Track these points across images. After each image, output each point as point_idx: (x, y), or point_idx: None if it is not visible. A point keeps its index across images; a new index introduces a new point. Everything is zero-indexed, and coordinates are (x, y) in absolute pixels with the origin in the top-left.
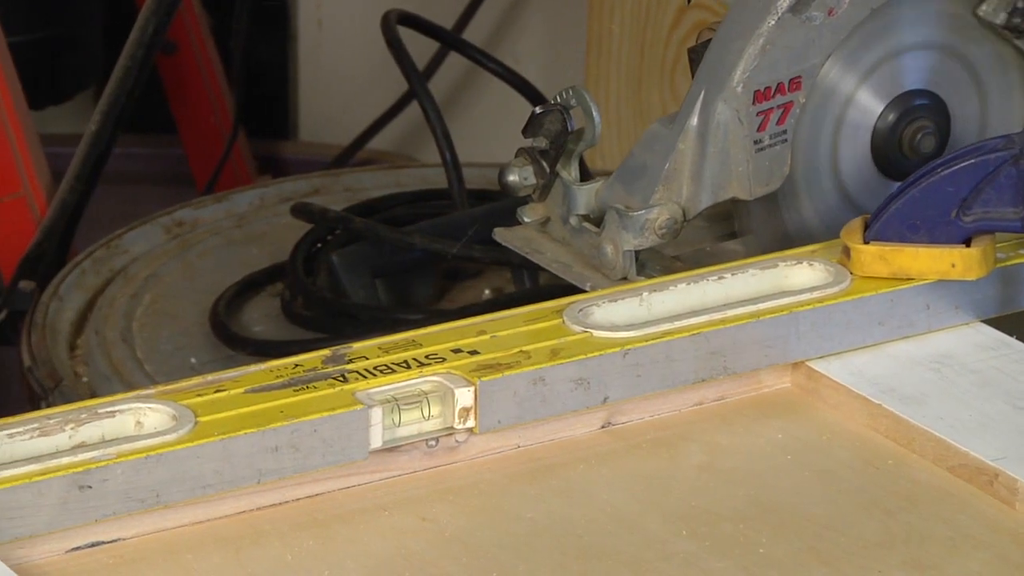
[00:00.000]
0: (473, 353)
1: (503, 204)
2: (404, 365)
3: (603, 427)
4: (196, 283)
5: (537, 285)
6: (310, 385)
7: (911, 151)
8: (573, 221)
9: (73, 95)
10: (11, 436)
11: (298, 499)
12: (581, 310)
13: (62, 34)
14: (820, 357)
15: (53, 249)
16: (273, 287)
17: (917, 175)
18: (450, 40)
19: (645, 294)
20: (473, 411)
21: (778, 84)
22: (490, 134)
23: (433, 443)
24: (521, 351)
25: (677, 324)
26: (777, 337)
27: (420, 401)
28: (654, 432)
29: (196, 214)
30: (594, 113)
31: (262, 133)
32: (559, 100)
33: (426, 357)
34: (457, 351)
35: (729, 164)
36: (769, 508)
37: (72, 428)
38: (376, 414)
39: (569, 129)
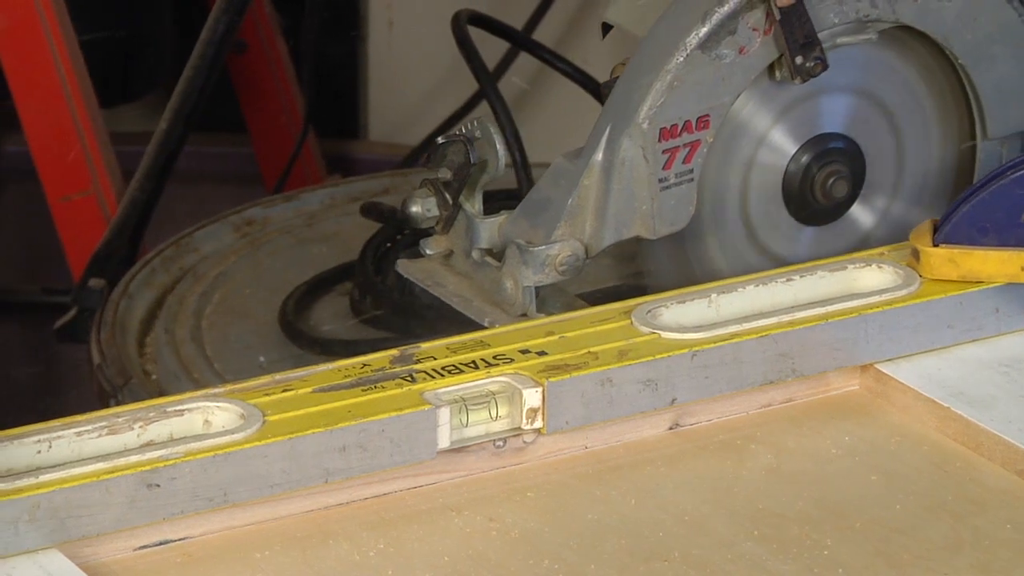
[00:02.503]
0: (541, 354)
1: None
2: (472, 365)
3: (671, 428)
4: (265, 282)
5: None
6: (378, 385)
7: (823, 195)
8: (475, 255)
9: (144, 94)
10: (80, 434)
11: (365, 499)
12: (649, 311)
13: (133, 33)
14: (888, 360)
15: (123, 247)
16: (342, 286)
17: (987, 178)
18: (520, 40)
19: (714, 296)
20: (541, 412)
21: (685, 122)
22: (560, 135)
23: (501, 443)
24: (589, 352)
25: (745, 326)
26: (845, 339)
27: (488, 401)
28: (722, 434)
29: (266, 213)
30: (498, 145)
31: (332, 133)
32: (463, 131)
33: (494, 357)
34: (525, 352)
35: (633, 202)
36: (836, 511)
37: (140, 427)
38: (444, 414)
39: (472, 161)
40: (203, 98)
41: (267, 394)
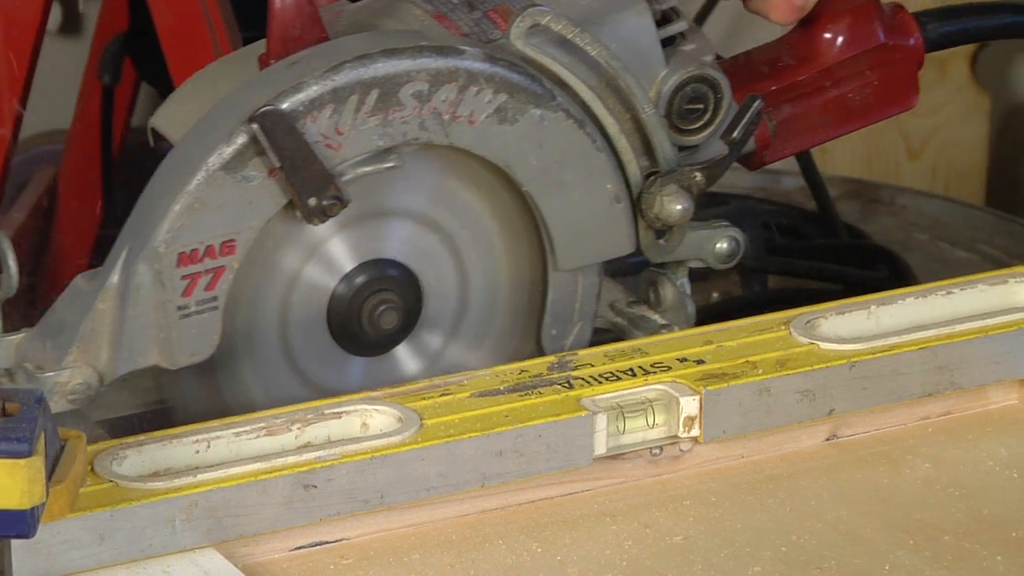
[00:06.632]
0: (699, 362)
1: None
2: (629, 373)
3: (828, 439)
4: None
5: (766, 290)
6: (535, 390)
7: (370, 325)
8: None
9: None
10: (238, 435)
11: (521, 504)
12: (808, 322)
13: None
14: None
15: None
16: None
17: None
18: None
19: (873, 307)
20: (698, 420)
21: (207, 247)
22: None
23: (657, 451)
24: (747, 361)
25: (904, 338)
26: (1005, 353)
27: (645, 409)
28: (879, 446)
29: None
30: (10, 261)
31: None
32: None
33: (651, 365)
34: (683, 360)
35: (150, 329)
36: (993, 523)
37: (298, 428)
38: (601, 420)
39: None
40: None
41: (424, 398)
